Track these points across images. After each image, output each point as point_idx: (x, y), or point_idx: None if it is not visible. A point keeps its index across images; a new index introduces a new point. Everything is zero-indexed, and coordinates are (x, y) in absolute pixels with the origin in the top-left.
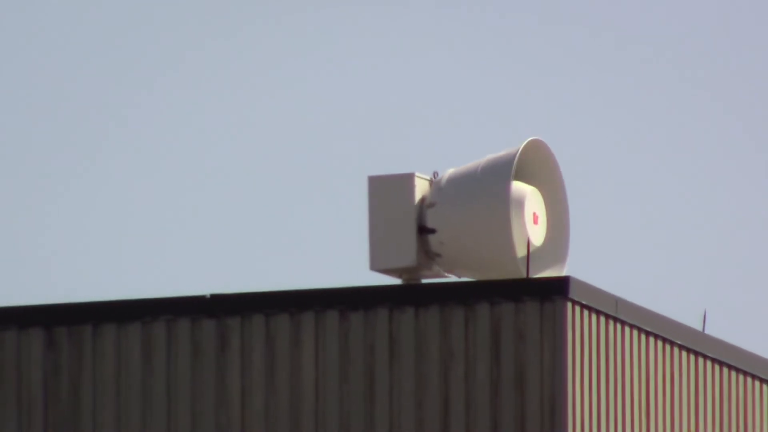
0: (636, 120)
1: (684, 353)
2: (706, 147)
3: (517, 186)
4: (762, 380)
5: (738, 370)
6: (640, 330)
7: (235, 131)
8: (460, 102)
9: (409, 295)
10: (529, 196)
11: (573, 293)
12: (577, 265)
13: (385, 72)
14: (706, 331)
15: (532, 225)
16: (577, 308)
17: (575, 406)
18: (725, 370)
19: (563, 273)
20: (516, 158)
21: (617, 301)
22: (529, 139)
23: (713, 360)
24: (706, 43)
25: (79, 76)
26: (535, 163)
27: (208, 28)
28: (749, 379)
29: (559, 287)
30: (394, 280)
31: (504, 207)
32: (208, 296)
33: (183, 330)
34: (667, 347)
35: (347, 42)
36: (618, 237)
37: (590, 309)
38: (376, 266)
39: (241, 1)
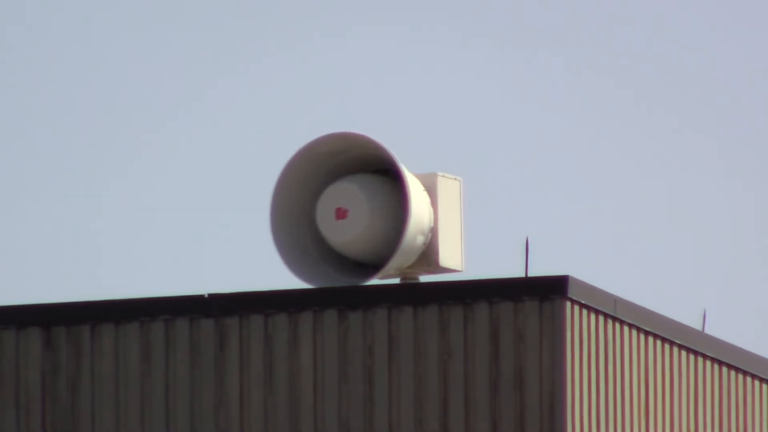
0: (636, 119)
1: (683, 353)
2: (706, 146)
3: (335, 186)
4: (762, 380)
5: (737, 370)
6: (639, 329)
7: (235, 130)
8: (457, 103)
9: (407, 295)
10: (329, 192)
11: (572, 293)
12: (577, 265)
13: (386, 71)
14: (706, 331)
15: (334, 221)
16: (576, 308)
17: (574, 406)
18: (725, 369)
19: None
20: (293, 157)
21: (616, 301)
22: (324, 135)
23: (713, 360)
24: (703, 38)
25: (73, 75)
26: (372, 158)
27: (195, 30)
28: (749, 379)
29: (559, 287)
30: (392, 280)
31: None
32: (207, 296)
33: (181, 330)
34: (667, 347)
35: (351, 42)
36: (617, 236)
37: (589, 308)
38: None
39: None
